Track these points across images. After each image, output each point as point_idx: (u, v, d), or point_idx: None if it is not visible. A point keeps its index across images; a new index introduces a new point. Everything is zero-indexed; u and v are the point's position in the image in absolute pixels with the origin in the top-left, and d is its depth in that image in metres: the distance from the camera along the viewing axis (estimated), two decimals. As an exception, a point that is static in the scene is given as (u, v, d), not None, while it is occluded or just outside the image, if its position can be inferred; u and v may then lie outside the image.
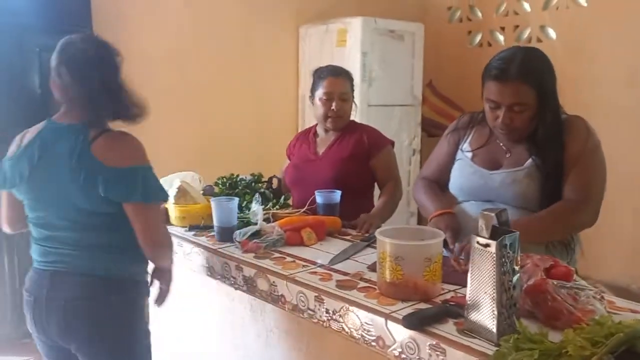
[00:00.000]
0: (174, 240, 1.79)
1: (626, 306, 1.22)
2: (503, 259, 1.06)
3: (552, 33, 4.00)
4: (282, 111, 4.05)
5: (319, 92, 2.26)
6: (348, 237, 1.84)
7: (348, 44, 3.65)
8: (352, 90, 2.31)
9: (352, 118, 2.34)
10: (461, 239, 1.57)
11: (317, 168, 2.25)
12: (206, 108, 3.57)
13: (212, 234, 1.83)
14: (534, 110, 1.58)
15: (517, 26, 4.20)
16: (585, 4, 3.81)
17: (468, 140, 1.80)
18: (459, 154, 1.80)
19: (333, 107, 2.23)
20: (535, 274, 1.18)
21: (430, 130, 4.32)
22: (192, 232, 1.89)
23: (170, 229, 1.94)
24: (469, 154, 1.77)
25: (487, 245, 1.07)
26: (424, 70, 4.15)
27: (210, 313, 1.93)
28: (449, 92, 4.43)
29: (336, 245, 1.73)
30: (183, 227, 1.94)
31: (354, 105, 2.34)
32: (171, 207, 1.97)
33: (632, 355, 0.95)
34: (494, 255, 1.06)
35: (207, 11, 3.55)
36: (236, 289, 1.62)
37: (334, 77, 2.26)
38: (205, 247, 1.74)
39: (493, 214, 1.08)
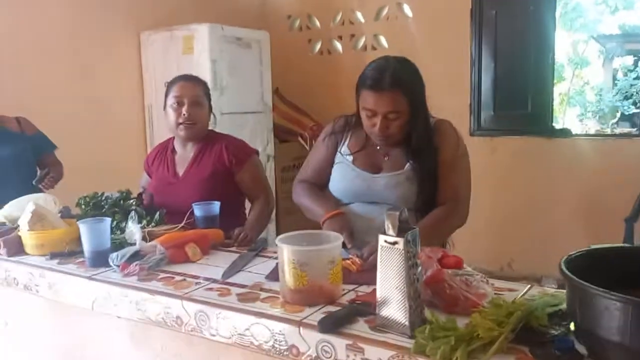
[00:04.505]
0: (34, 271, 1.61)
1: (505, 286, 1.37)
2: (409, 254, 1.13)
3: (384, 41, 4.32)
4: (127, 121, 3.81)
5: (170, 99, 2.14)
6: (233, 249, 1.80)
7: (195, 51, 3.56)
8: (208, 98, 2.22)
9: (213, 129, 2.27)
10: (356, 239, 1.63)
11: (178, 192, 2.10)
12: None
13: (81, 260, 1.66)
14: (407, 117, 1.67)
15: (353, 35, 4.47)
16: (410, 15, 4.19)
17: (346, 144, 1.84)
18: (339, 157, 1.84)
19: (184, 112, 2.10)
20: (430, 265, 1.27)
21: (281, 135, 4.40)
22: (55, 261, 1.69)
23: (26, 259, 1.72)
24: (350, 157, 1.82)
25: (395, 243, 1.12)
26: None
27: (85, 349, 1.74)
28: (294, 98, 4.56)
29: (223, 258, 1.68)
30: (43, 255, 1.73)
31: (212, 116, 2.26)
32: (25, 234, 1.74)
33: (528, 330, 1.07)
34: (402, 251, 1.12)
35: (28, 14, 3.20)
36: (120, 317, 1.49)
37: (185, 82, 2.16)
38: (77, 276, 1.57)
39: (397, 213, 1.14)
